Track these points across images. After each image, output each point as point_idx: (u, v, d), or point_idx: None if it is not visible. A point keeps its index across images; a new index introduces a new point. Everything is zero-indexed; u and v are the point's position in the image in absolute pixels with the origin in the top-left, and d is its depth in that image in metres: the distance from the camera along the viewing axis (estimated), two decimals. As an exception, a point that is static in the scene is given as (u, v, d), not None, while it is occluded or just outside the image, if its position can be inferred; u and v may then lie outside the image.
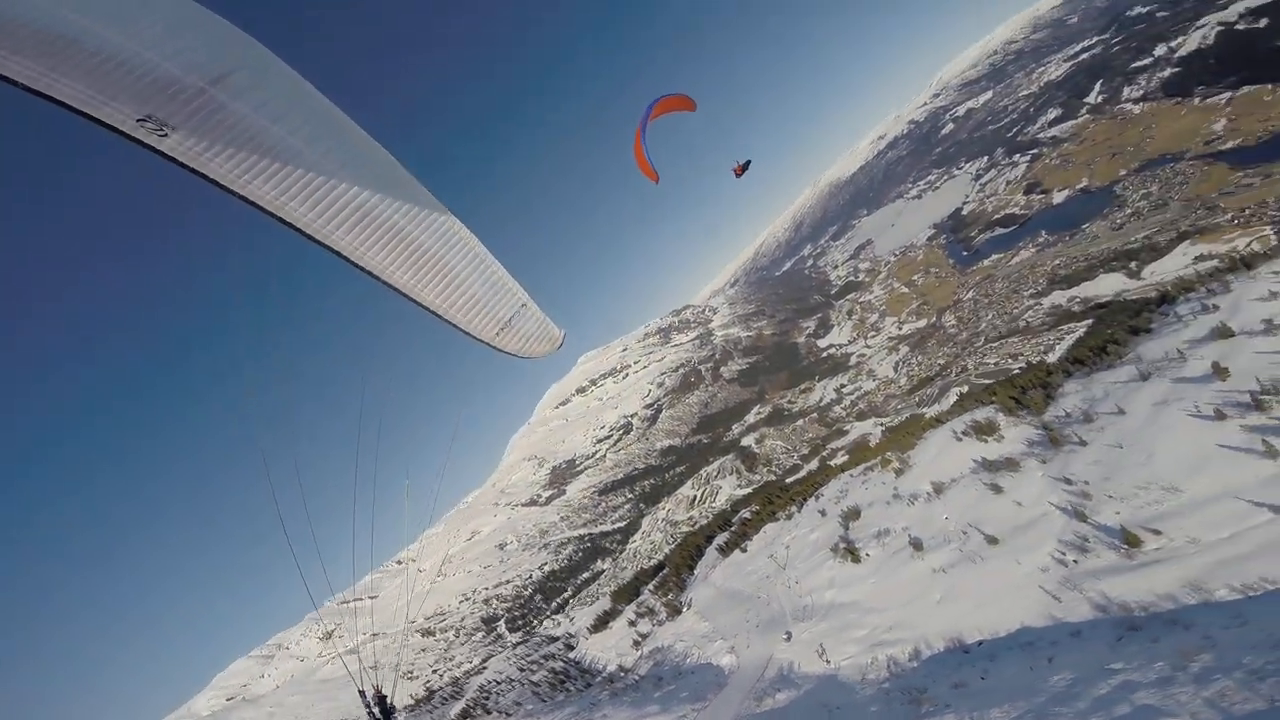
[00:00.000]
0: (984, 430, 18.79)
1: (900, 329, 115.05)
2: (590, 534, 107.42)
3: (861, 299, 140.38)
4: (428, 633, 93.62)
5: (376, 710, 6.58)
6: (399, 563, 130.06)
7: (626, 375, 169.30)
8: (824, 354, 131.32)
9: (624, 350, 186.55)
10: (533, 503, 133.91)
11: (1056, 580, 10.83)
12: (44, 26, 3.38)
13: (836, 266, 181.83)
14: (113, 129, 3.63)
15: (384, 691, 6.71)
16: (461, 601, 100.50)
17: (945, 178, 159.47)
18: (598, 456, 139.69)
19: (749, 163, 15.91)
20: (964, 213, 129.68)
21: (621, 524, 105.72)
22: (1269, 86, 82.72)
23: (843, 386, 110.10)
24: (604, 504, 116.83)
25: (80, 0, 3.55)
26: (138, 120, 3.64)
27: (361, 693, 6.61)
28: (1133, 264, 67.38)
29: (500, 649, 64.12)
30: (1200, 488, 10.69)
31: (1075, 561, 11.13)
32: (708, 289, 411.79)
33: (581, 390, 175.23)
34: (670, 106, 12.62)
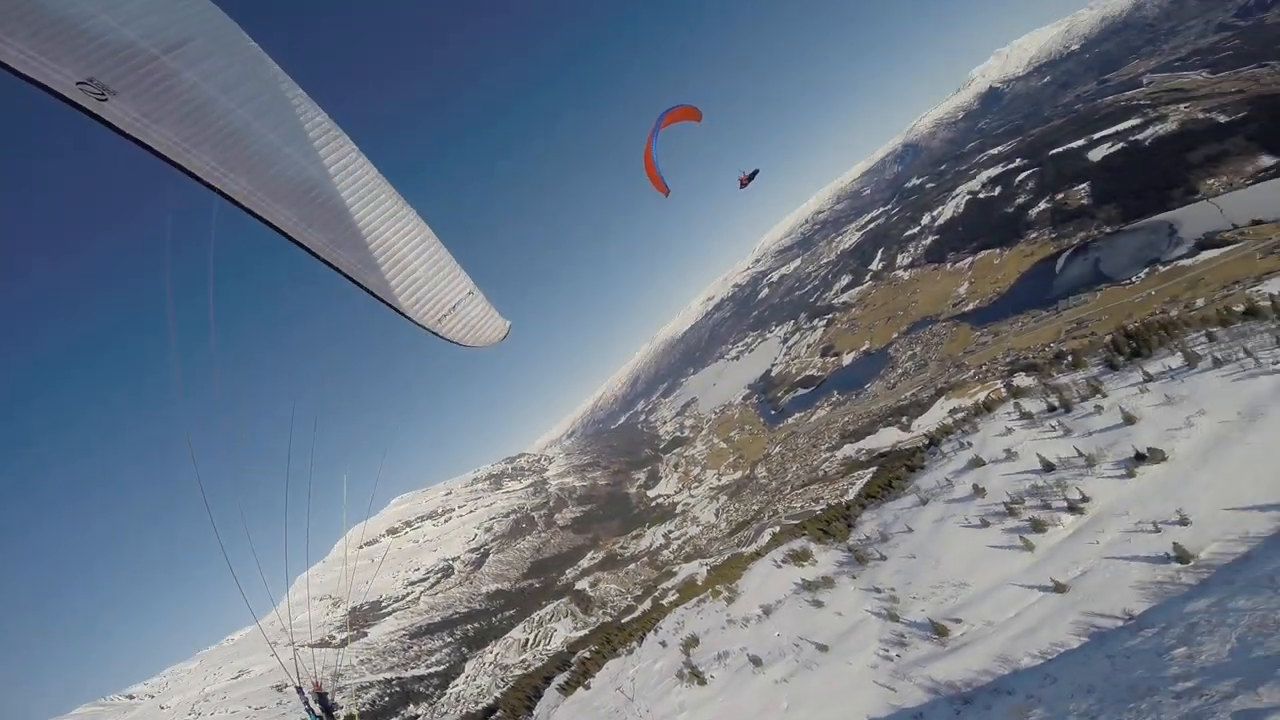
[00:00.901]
0: (800, 557, 20.75)
1: (720, 480, 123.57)
2: (399, 678, 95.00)
3: (686, 453, 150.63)
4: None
5: (318, 708, 6.16)
6: (130, 697, 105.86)
7: (449, 519, 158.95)
8: (654, 503, 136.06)
9: (448, 494, 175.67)
10: (324, 644, 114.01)
11: (887, 674, 11.69)
12: None
13: (665, 423, 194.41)
14: (51, 91, 3.36)
15: (324, 689, 6.15)
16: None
17: (759, 340, 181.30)
18: (409, 599, 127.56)
19: (756, 172, 15.20)
20: (773, 374, 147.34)
21: (439, 668, 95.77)
22: (997, 250, 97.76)
23: (670, 532, 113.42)
24: (416, 647, 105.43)
25: None
26: (78, 84, 3.39)
27: (299, 689, 6.00)
28: (904, 419, 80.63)
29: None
30: (982, 580, 12.66)
31: (899, 655, 12.19)
32: (545, 438, 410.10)
33: (394, 531, 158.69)
34: (679, 117, 12.47)
